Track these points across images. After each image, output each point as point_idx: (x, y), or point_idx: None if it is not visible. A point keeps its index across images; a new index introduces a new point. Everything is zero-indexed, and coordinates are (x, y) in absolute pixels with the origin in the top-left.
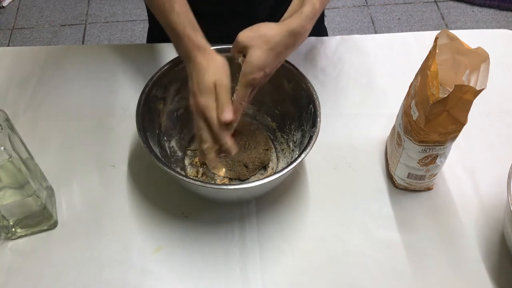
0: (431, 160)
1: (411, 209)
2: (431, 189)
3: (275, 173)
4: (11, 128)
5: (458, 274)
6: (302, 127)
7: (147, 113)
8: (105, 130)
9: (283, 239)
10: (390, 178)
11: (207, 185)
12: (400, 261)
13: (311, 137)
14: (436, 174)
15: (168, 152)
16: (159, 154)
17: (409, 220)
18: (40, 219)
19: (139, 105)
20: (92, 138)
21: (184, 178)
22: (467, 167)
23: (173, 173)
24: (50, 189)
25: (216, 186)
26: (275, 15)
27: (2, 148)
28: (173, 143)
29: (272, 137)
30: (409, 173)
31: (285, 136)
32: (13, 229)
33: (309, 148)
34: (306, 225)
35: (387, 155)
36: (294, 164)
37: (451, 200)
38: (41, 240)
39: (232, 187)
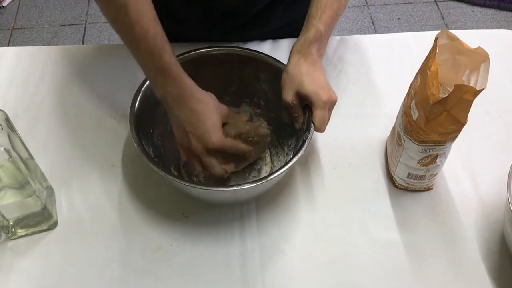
0: (431, 160)
1: (411, 209)
2: (431, 189)
3: (261, 178)
4: (11, 128)
5: (458, 274)
6: (297, 131)
7: (141, 113)
8: (105, 130)
9: (283, 239)
10: (390, 178)
11: (197, 187)
12: (400, 261)
13: (303, 141)
14: (436, 174)
15: (162, 152)
16: (152, 154)
17: (409, 220)
18: (40, 219)
19: (132, 106)
20: (92, 138)
21: (173, 178)
22: (467, 167)
23: (162, 171)
24: (50, 189)
25: (205, 188)
26: (271, 11)
27: (2, 148)
28: (167, 144)
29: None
30: (409, 173)
31: (280, 139)
32: (13, 229)
33: (301, 152)
34: (306, 225)
35: (387, 155)
36: (280, 171)
37: (451, 200)
38: (41, 240)
39: (221, 189)
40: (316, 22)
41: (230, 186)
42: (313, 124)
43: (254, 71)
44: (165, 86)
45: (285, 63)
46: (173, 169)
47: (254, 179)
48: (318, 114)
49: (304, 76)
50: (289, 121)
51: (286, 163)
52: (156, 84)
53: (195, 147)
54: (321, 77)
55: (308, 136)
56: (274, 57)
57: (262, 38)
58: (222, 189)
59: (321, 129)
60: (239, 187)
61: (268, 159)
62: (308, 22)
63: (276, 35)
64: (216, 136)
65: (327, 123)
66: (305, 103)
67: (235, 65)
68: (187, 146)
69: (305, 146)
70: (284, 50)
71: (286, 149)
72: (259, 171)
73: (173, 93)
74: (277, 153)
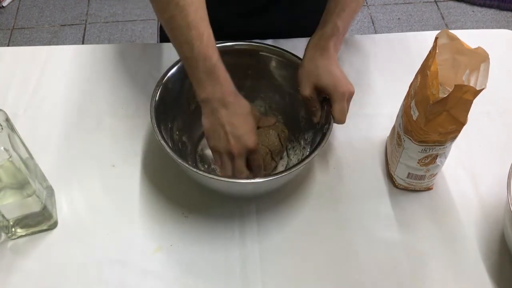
0: (431, 160)
1: (411, 209)
2: (431, 189)
3: (285, 170)
4: (11, 128)
5: (458, 274)
6: (314, 125)
7: (161, 108)
8: (105, 130)
9: (283, 239)
10: (390, 178)
11: (220, 178)
12: (400, 261)
13: (324, 134)
14: (436, 174)
15: (180, 147)
16: (170, 148)
17: (409, 220)
18: (40, 219)
19: (153, 99)
20: (92, 138)
21: (199, 172)
22: (467, 167)
23: (189, 167)
24: (50, 189)
25: (228, 180)
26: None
27: (2, 148)
28: (185, 138)
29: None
30: (409, 173)
31: (296, 134)
32: (13, 229)
33: (323, 143)
34: (306, 225)
35: (387, 155)
36: (310, 157)
37: (451, 200)
38: (41, 240)
39: (245, 181)
40: (335, 17)
41: (253, 178)
42: (333, 116)
43: (269, 65)
44: (212, 88)
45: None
46: (191, 163)
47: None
48: (337, 106)
49: (321, 70)
50: (304, 115)
51: (310, 153)
52: (202, 85)
53: (233, 147)
54: (337, 70)
55: (328, 128)
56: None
57: (263, 34)
58: (245, 181)
59: (341, 121)
60: (263, 179)
61: (284, 153)
62: (326, 17)
63: (276, 32)
64: (253, 138)
65: (347, 114)
66: (323, 97)
67: (250, 60)
68: (224, 146)
69: (326, 138)
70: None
71: (302, 143)
72: (275, 166)
73: (219, 96)
74: (293, 147)
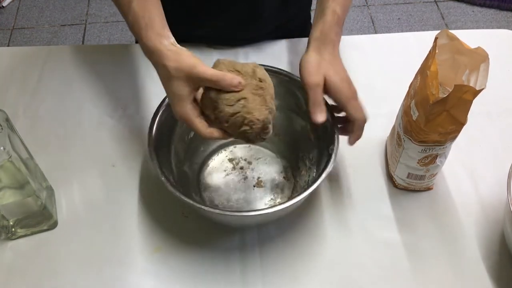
0: (431, 160)
1: (411, 209)
2: (431, 189)
3: (297, 195)
4: (11, 128)
5: (458, 274)
6: (319, 144)
7: (159, 139)
8: (105, 130)
9: (283, 239)
10: (390, 178)
11: (226, 213)
12: (400, 261)
13: (330, 155)
14: (436, 174)
15: (181, 177)
16: (172, 180)
17: (409, 220)
18: (40, 219)
19: (150, 132)
20: (92, 138)
21: (202, 207)
22: (467, 167)
23: (193, 202)
24: (50, 189)
25: (236, 214)
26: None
27: (2, 148)
28: (186, 168)
29: (286, 155)
30: (409, 173)
31: (300, 153)
32: (13, 229)
33: (329, 166)
34: (305, 225)
35: (387, 155)
36: (317, 183)
37: (451, 200)
38: (41, 240)
39: (253, 213)
40: (331, 3)
41: (262, 210)
42: (353, 117)
43: None
44: (152, 60)
45: (287, 69)
46: (194, 195)
47: (286, 199)
48: (351, 105)
49: (328, 65)
50: (303, 132)
51: (317, 177)
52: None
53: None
54: (342, 69)
55: (333, 149)
56: (274, 57)
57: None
58: (254, 213)
59: (361, 119)
60: (272, 210)
61: (290, 174)
62: (323, 5)
63: (266, 38)
64: (178, 108)
65: (363, 109)
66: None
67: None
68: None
69: (332, 159)
70: (284, 50)
71: (308, 163)
72: (282, 189)
73: (145, 50)
74: (299, 168)
